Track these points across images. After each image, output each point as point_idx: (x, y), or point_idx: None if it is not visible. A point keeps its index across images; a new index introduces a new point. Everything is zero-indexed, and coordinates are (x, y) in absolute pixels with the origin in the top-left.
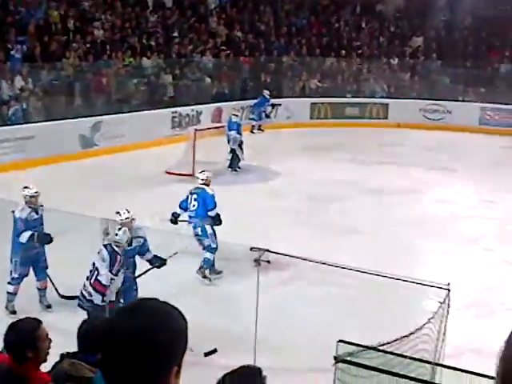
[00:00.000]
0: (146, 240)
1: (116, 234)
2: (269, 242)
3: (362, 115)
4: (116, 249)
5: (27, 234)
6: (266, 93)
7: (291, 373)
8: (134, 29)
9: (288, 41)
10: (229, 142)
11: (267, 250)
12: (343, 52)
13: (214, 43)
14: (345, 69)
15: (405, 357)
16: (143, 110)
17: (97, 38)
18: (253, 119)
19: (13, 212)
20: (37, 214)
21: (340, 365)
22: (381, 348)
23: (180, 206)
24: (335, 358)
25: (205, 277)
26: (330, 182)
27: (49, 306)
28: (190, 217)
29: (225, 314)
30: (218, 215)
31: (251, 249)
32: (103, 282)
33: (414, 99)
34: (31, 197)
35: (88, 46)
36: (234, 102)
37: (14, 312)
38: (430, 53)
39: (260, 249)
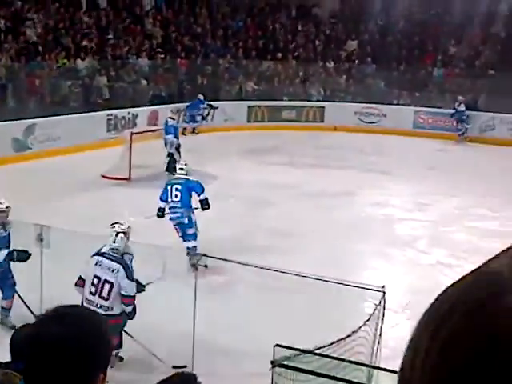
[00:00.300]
0: (133, 258)
1: (114, 241)
2: (206, 246)
3: (299, 118)
4: (118, 255)
5: (3, 252)
6: (201, 96)
7: (228, 378)
8: (67, 29)
9: (224, 43)
10: (166, 145)
11: (204, 255)
12: (279, 55)
13: (150, 45)
14: (281, 72)
15: (341, 360)
16: (78, 113)
17: (29, 38)
18: (184, 121)
19: None
20: (5, 231)
21: (277, 369)
22: (317, 351)
23: (161, 199)
24: (272, 362)
25: (195, 265)
26: (267, 185)
27: (13, 327)
28: (173, 207)
29: (162, 319)
30: (206, 199)
31: (188, 253)
32: (131, 294)
33: (349, 102)
34: (1, 212)
35: (20, 46)
36: (171, 105)
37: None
38: (364, 56)
39: (197, 254)
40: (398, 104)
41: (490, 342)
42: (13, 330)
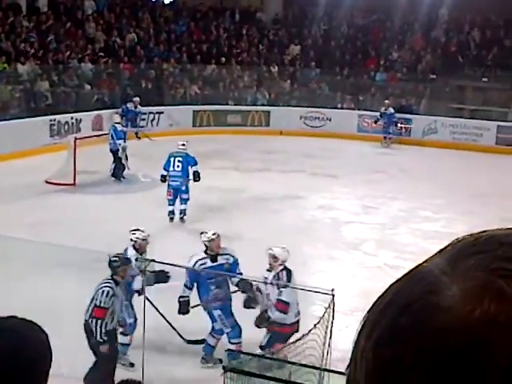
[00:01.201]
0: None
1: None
2: (155, 252)
3: (245, 123)
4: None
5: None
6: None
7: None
8: (7, 34)
9: (168, 47)
10: (112, 151)
11: (153, 261)
12: (223, 59)
13: (92, 49)
14: (226, 76)
15: (293, 363)
16: (19, 118)
17: None
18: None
19: None
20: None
21: (229, 374)
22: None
23: (164, 168)
24: (224, 367)
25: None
26: (214, 190)
27: None
28: (173, 176)
29: None
30: (198, 172)
31: (137, 259)
32: None
33: (294, 107)
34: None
35: None
36: (115, 110)
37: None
38: (308, 61)
39: (146, 259)
40: (342, 108)
41: (418, 338)
42: None
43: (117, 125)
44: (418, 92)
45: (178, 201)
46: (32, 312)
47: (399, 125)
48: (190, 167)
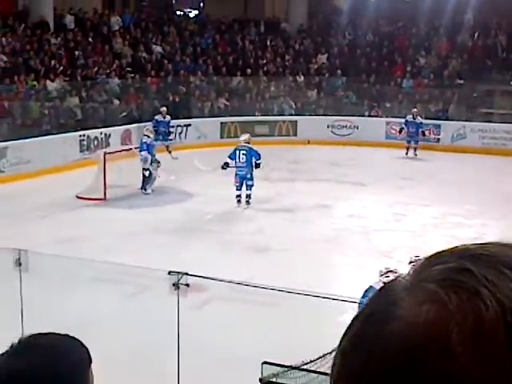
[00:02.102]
0: None
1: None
2: (187, 265)
3: (272, 133)
4: None
5: None
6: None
7: None
8: (35, 51)
9: (194, 60)
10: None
11: (186, 274)
12: (249, 70)
13: (120, 64)
14: (252, 87)
15: (327, 374)
16: (50, 134)
17: None
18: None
19: None
20: None
21: None
22: (304, 367)
23: (229, 157)
24: (260, 380)
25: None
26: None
27: None
28: (240, 167)
29: (146, 338)
30: (260, 163)
31: (169, 272)
32: None
33: (321, 116)
34: None
35: None
36: (143, 124)
37: None
38: (334, 70)
39: (179, 272)
40: (369, 116)
41: (376, 344)
42: None
43: (143, 137)
44: (446, 98)
45: (244, 187)
46: (66, 327)
47: (427, 133)
48: (253, 159)
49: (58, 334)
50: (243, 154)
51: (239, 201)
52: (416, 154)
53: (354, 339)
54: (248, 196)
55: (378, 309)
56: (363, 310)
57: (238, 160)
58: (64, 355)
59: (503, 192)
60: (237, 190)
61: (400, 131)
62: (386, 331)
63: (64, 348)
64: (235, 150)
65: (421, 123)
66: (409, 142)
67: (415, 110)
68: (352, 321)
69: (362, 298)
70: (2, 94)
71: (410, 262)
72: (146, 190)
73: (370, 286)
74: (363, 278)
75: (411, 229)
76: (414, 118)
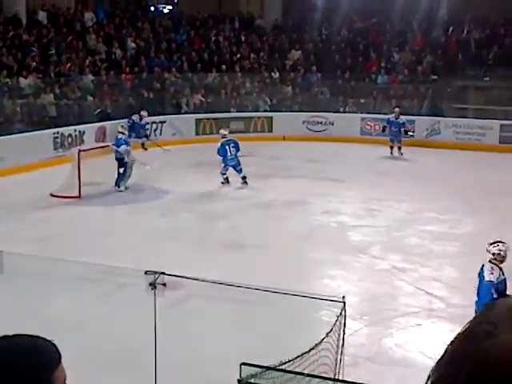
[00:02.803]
0: None
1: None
2: (162, 263)
3: (247, 129)
4: None
5: None
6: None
7: None
8: (8, 47)
9: (169, 57)
10: (117, 159)
11: (162, 273)
12: (224, 67)
13: (93, 61)
14: (227, 83)
15: (306, 375)
16: (23, 132)
17: None
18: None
19: None
20: None
21: None
22: (283, 367)
23: (220, 154)
24: (239, 381)
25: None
26: (218, 198)
27: None
28: (231, 158)
29: (123, 338)
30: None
31: (146, 272)
32: None
33: (296, 112)
34: None
35: None
36: (118, 121)
37: None
38: (309, 66)
39: (155, 272)
40: (344, 112)
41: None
42: None
43: (118, 134)
44: (420, 93)
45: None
46: (42, 327)
47: (410, 133)
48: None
49: (24, 335)
50: (232, 146)
51: (228, 181)
52: (402, 153)
53: (455, 351)
54: (245, 177)
55: (478, 326)
56: (465, 328)
57: (229, 153)
58: (25, 355)
59: (477, 187)
60: (223, 174)
61: (383, 129)
62: (485, 346)
63: (25, 348)
64: (224, 145)
65: (403, 123)
66: (392, 141)
67: (397, 109)
68: (456, 335)
69: (479, 275)
70: None
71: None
72: (119, 186)
73: (483, 265)
74: (339, 274)
75: (387, 224)
76: (397, 118)
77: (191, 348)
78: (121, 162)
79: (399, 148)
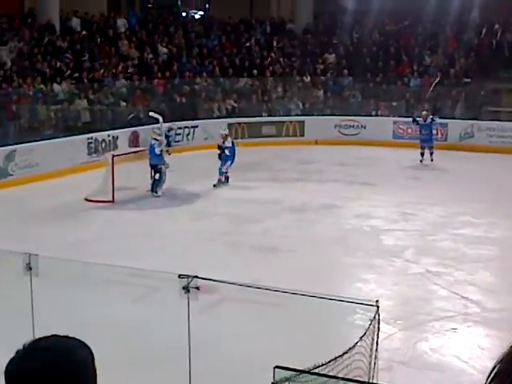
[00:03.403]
0: None
1: None
2: (196, 267)
3: (279, 133)
4: None
5: None
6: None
7: None
8: (42, 54)
9: (200, 62)
10: (151, 165)
11: (196, 277)
12: (255, 71)
13: (126, 66)
14: (259, 88)
15: (340, 378)
16: (58, 138)
17: (4, 65)
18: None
19: None
20: None
21: None
22: (317, 370)
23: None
24: (273, 383)
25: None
26: (250, 202)
27: None
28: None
29: (156, 341)
30: None
31: (179, 276)
32: None
33: (328, 116)
34: None
35: None
36: (150, 126)
37: None
38: (341, 69)
39: (188, 276)
40: (376, 115)
41: None
42: None
43: (152, 140)
44: (453, 96)
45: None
46: (77, 330)
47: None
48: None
49: (61, 336)
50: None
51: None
52: (432, 160)
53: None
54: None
55: None
56: None
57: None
58: (67, 355)
59: (511, 190)
60: (224, 174)
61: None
62: None
63: (67, 348)
64: (234, 144)
65: (431, 122)
66: (423, 147)
67: (425, 112)
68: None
69: None
70: (10, 97)
71: None
72: (156, 192)
73: None
74: (373, 277)
75: (420, 228)
76: (425, 121)
77: (225, 351)
78: (155, 168)
79: (431, 154)
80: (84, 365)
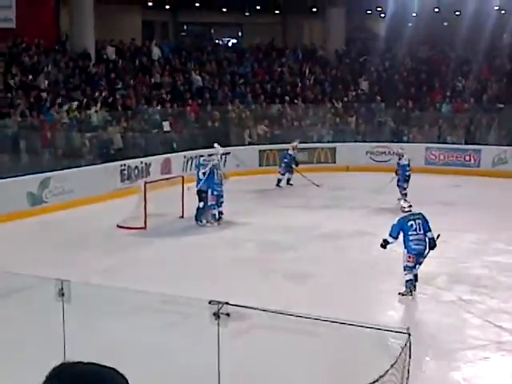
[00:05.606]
0: None
1: None
2: (226, 293)
3: (311, 160)
4: None
5: None
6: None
7: None
8: (77, 82)
9: (232, 88)
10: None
11: (226, 303)
12: (287, 98)
13: (159, 94)
14: (290, 114)
15: None
16: (91, 164)
17: (40, 92)
18: None
19: None
20: None
21: None
22: None
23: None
24: None
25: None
26: (283, 228)
27: None
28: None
29: (187, 367)
30: None
31: (210, 302)
32: None
33: (360, 142)
34: None
35: (31, 101)
36: (182, 153)
37: None
38: (373, 95)
39: (219, 302)
40: (408, 141)
41: None
42: None
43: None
44: (486, 122)
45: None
46: (108, 356)
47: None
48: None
49: (96, 364)
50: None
51: (219, 218)
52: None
53: None
54: (221, 212)
55: None
56: None
57: (220, 181)
58: (108, 378)
59: None
60: (218, 207)
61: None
62: None
63: (105, 376)
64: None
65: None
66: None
67: (400, 150)
68: None
69: None
70: (45, 124)
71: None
72: (201, 221)
73: None
74: (406, 305)
75: (452, 255)
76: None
77: (254, 378)
78: (201, 196)
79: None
80: None
